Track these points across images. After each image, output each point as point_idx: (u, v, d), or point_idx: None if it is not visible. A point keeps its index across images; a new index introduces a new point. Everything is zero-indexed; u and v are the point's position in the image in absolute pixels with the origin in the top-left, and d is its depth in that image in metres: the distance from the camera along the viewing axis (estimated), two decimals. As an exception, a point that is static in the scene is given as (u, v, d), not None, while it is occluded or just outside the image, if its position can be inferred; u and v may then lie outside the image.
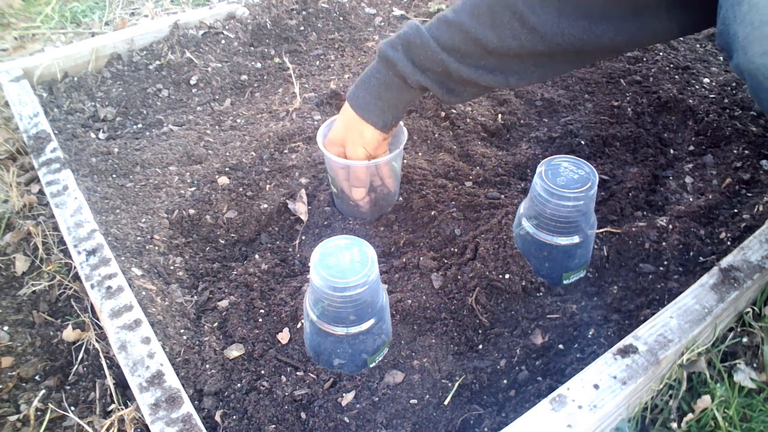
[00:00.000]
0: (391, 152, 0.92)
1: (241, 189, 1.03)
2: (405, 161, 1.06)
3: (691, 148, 1.10)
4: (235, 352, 0.77)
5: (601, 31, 0.75)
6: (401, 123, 0.94)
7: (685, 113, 1.16)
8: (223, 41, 1.44)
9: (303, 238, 0.96)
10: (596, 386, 0.66)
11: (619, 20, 0.74)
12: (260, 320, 0.82)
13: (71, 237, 0.88)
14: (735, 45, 0.63)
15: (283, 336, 0.79)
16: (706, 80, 1.26)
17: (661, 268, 0.86)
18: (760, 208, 0.91)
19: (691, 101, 1.17)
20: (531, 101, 1.26)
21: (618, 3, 0.74)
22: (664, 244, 0.88)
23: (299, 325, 0.80)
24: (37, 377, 0.82)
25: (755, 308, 0.81)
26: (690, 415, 0.72)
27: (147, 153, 1.12)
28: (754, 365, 0.78)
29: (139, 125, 1.23)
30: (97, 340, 0.83)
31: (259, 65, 1.40)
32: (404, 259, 0.88)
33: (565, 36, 0.75)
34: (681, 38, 1.43)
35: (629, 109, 1.18)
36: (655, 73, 1.28)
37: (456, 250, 0.89)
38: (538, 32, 0.75)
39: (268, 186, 1.04)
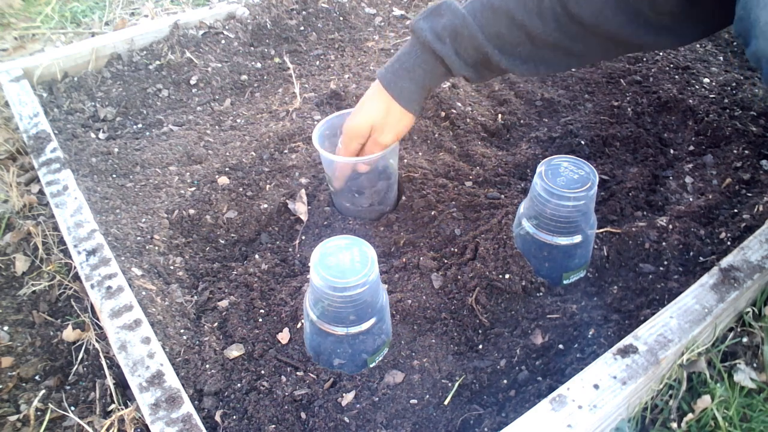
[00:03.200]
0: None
1: (241, 189, 1.03)
2: (405, 161, 1.06)
3: (691, 148, 1.10)
4: (235, 352, 0.77)
5: (634, 30, 0.75)
6: None
7: (685, 113, 1.16)
8: (223, 41, 1.44)
9: (303, 238, 0.96)
10: (596, 386, 0.66)
11: (655, 26, 0.76)
12: (260, 320, 0.82)
13: (71, 237, 0.88)
14: (755, 30, 0.62)
15: (283, 336, 0.79)
16: (706, 80, 1.26)
17: (661, 268, 0.86)
18: (760, 208, 0.91)
19: (691, 101, 1.17)
20: (531, 101, 1.26)
21: (659, 14, 0.74)
22: (664, 244, 0.88)
23: (299, 325, 0.80)
24: (37, 377, 0.82)
25: (755, 308, 0.81)
26: (690, 415, 0.72)
27: (147, 153, 1.12)
28: (754, 365, 0.78)
29: (139, 125, 1.23)
30: (97, 340, 0.83)
31: (259, 65, 1.40)
32: (404, 259, 0.88)
33: (601, 28, 0.76)
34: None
35: (629, 109, 1.18)
36: (655, 73, 1.28)
37: (456, 250, 0.89)
38: (579, 21, 0.75)
39: (268, 186, 1.04)
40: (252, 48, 1.45)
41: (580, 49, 0.81)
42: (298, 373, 0.75)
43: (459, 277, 0.84)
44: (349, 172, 0.91)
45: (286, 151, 1.12)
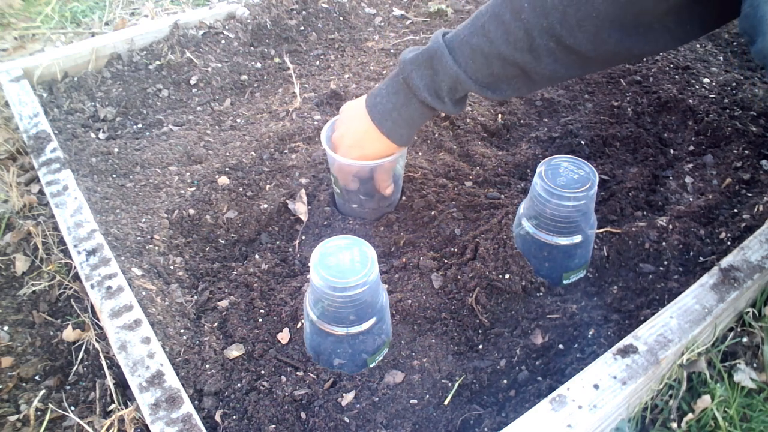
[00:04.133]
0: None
1: (241, 189, 1.03)
2: (405, 161, 1.06)
3: (691, 148, 1.10)
4: (235, 352, 0.77)
5: (632, 42, 0.75)
6: None
7: (685, 113, 1.16)
8: (223, 41, 1.44)
9: (303, 238, 0.96)
10: (596, 386, 0.66)
11: (652, 32, 0.75)
12: (260, 320, 0.82)
13: (71, 237, 0.88)
14: (762, 27, 0.61)
15: (283, 336, 0.79)
16: (706, 80, 1.26)
17: (661, 268, 0.86)
18: (760, 208, 0.91)
19: (691, 101, 1.17)
20: (531, 101, 1.26)
21: (652, 19, 0.74)
22: (664, 244, 0.88)
23: (299, 325, 0.80)
24: (37, 377, 0.82)
25: (755, 308, 0.81)
26: (690, 415, 0.72)
27: (147, 153, 1.12)
28: (754, 365, 0.78)
29: (139, 125, 1.23)
30: (97, 340, 0.83)
31: (259, 65, 1.40)
32: (404, 259, 0.88)
33: (599, 50, 0.75)
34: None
35: (629, 109, 1.18)
36: (655, 73, 1.28)
37: (456, 250, 0.89)
38: (576, 51, 0.75)
39: (268, 186, 1.04)
40: (252, 48, 1.45)
41: (578, 72, 0.81)
42: (298, 373, 0.75)
43: (459, 277, 0.84)
44: (365, 174, 0.92)
45: (286, 151, 1.12)
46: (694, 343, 0.72)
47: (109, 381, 0.77)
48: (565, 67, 0.78)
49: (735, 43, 1.44)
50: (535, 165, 0.83)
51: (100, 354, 0.80)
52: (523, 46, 0.75)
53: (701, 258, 0.87)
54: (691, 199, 0.99)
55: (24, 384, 0.81)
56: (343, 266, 0.67)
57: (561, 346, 0.76)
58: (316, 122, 1.19)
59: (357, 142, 0.88)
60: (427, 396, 0.72)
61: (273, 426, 0.68)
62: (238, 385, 0.73)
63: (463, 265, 0.86)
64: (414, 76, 0.81)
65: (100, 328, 0.84)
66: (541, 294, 0.84)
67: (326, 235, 0.94)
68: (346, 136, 0.89)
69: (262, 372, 0.75)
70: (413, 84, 0.81)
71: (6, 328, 0.87)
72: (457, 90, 0.81)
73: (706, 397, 0.73)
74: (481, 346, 0.79)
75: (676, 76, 1.27)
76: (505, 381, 0.74)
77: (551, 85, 0.85)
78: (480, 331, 0.80)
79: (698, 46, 1.42)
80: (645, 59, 1.34)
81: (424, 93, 0.81)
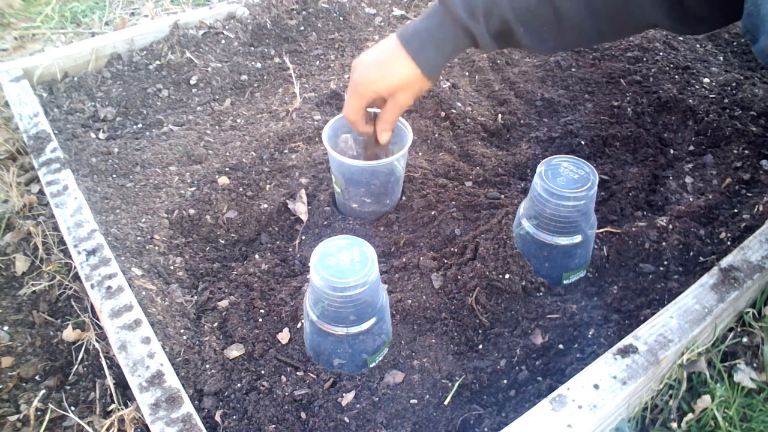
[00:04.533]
0: (396, 153, 0.92)
1: (241, 189, 1.03)
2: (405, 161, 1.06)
3: (691, 148, 1.10)
4: (235, 352, 0.77)
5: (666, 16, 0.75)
6: (408, 124, 0.94)
7: (685, 113, 1.16)
8: (223, 41, 1.44)
9: (303, 238, 0.96)
10: (596, 386, 0.66)
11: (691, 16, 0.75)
12: (260, 320, 0.82)
13: (71, 237, 0.88)
14: (765, 26, 0.61)
15: (283, 336, 0.79)
16: (706, 80, 1.26)
17: (661, 268, 0.86)
18: (760, 208, 0.91)
19: (691, 101, 1.17)
20: (531, 101, 1.26)
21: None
22: (664, 244, 0.88)
23: (299, 325, 0.80)
24: (37, 377, 0.82)
25: (755, 308, 0.81)
26: (690, 415, 0.72)
27: (147, 153, 1.12)
28: (754, 365, 0.78)
29: (139, 125, 1.23)
30: (97, 340, 0.83)
31: (259, 65, 1.40)
32: (404, 259, 0.88)
33: (633, 14, 0.75)
34: (681, 38, 1.43)
35: (629, 109, 1.18)
36: (655, 73, 1.28)
37: (456, 250, 0.89)
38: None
39: (268, 186, 1.04)
40: (252, 48, 1.45)
41: (603, 30, 0.79)
42: (298, 373, 0.75)
43: (459, 277, 0.84)
44: (366, 174, 0.90)
45: (286, 151, 1.12)
46: (694, 343, 0.72)
47: (109, 381, 0.77)
48: (595, 18, 0.76)
49: (735, 43, 1.44)
50: (535, 165, 0.83)
51: (100, 354, 0.80)
52: None
53: (701, 258, 0.87)
54: (691, 199, 0.99)
55: (24, 384, 0.81)
56: (343, 266, 0.67)
57: (561, 346, 0.76)
58: (316, 122, 1.19)
59: (378, 60, 0.82)
60: (427, 396, 0.72)
61: (273, 426, 0.68)
62: (238, 385, 0.73)
63: (463, 265, 0.86)
64: (460, 7, 0.77)
65: (100, 328, 0.84)
66: (541, 294, 0.84)
67: (326, 235, 0.94)
68: (367, 55, 0.83)
69: (262, 372, 0.75)
70: (449, 2, 0.77)
71: (6, 328, 0.87)
72: (493, 14, 0.77)
73: (706, 397, 0.73)
74: (481, 346, 0.79)
75: (676, 76, 1.27)
76: (505, 381, 0.74)
77: (578, 44, 0.83)
78: (480, 331, 0.80)
79: (698, 46, 1.42)
80: (644, 60, 1.34)
81: (460, 9, 0.77)
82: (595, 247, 0.87)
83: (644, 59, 1.35)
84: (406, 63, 0.81)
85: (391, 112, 0.86)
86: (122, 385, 0.78)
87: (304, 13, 1.55)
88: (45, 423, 0.75)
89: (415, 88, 0.84)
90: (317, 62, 1.43)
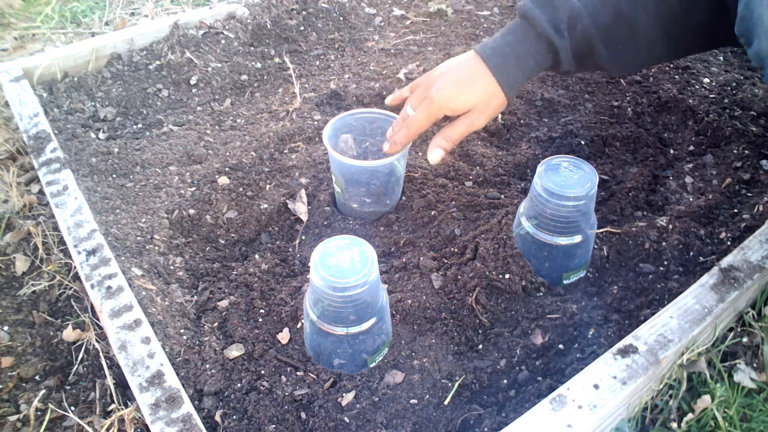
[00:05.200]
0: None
1: (241, 189, 1.03)
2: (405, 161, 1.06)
3: (691, 148, 1.10)
4: (235, 352, 0.77)
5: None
6: None
7: (685, 113, 1.16)
8: (223, 41, 1.44)
9: (303, 238, 0.96)
10: (596, 386, 0.66)
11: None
12: (260, 320, 0.82)
13: (71, 237, 0.88)
14: (758, 30, 0.61)
15: (283, 336, 0.79)
16: (706, 80, 1.26)
17: (661, 268, 0.86)
18: (760, 208, 0.91)
19: (691, 101, 1.17)
20: (531, 101, 1.26)
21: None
22: (664, 244, 0.88)
23: (299, 325, 0.80)
24: (37, 377, 0.82)
25: (755, 309, 0.81)
26: (690, 415, 0.72)
27: (147, 153, 1.12)
28: (754, 365, 0.78)
29: (139, 125, 1.23)
30: (97, 340, 0.83)
31: (259, 65, 1.40)
32: (404, 259, 0.88)
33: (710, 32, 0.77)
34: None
35: (629, 109, 1.18)
36: (655, 73, 1.28)
37: (456, 250, 0.89)
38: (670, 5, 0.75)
39: (268, 186, 1.04)
40: (252, 48, 1.45)
41: (673, 46, 0.80)
42: (298, 373, 0.75)
43: (459, 277, 0.84)
44: (366, 174, 0.89)
45: (286, 151, 1.12)
46: (694, 343, 0.72)
47: (109, 381, 0.77)
48: (662, 30, 0.75)
49: (735, 43, 1.44)
50: (535, 165, 0.83)
51: (100, 354, 0.80)
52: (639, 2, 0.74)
53: (701, 258, 0.87)
54: (691, 199, 0.99)
55: (24, 384, 0.81)
56: (343, 266, 0.67)
57: (561, 346, 0.76)
58: (316, 122, 1.19)
59: (457, 76, 0.78)
60: (427, 396, 0.72)
61: (273, 426, 0.68)
62: (238, 385, 0.73)
63: (463, 265, 0.86)
64: (534, 8, 0.75)
65: (100, 328, 0.84)
66: (541, 294, 0.84)
67: (326, 235, 0.94)
68: (444, 69, 0.80)
69: (262, 372, 0.75)
70: (532, 15, 0.75)
71: (6, 328, 0.87)
72: (576, 30, 0.76)
73: (706, 397, 0.73)
74: (481, 346, 0.79)
75: (676, 76, 1.27)
76: (505, 381, 0.74)
77: (649, 62, 0.83)
78: (480, 331, 0.80)
79: (698, 46, 1.42)
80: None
81: (544, 23, 0.75)
82: (595, 247, 0.87)
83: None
84: (486, 79, 0.77)
85: (458, 131, 0.81)
86: (122, 385, 0.78)
87: (304, 13, 1.55)
88: (45, 423, 0.75)
89: (493, 107, 0.80)
90: (317, 62, 1.43)
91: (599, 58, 0.78)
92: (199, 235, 0.96)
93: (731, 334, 0.80)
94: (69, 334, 0.85)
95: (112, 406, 0.75)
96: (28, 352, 0.85)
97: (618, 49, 0.79)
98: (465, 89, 0.78)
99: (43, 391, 0.79)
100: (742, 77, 1.28)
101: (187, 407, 0.66)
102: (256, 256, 0.93)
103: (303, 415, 0.70)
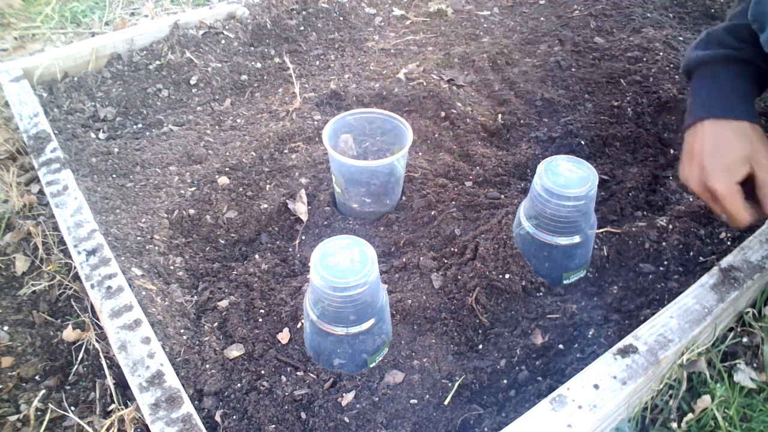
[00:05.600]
0: (396, 153, 0.91)
1: (241, 189, 1.03)
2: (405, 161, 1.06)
3: (691, 148, 1.10)
4: (235, 352, 0.77)
5: None
6: (408, 124, 0.94)
7: (685, 113, 1.16)
8: (223, 41, 1.44)
9: (303, 238, 0.96)
10: (596, 386, 0.66)
11: None
12: (260, 320, 0.82)
13: (71, 237, 0.88)
14: None
15: (283, 336, 0.79)
16: (706, 80, 1.26)
17: (661, 268, 0.86)
18: (760, 208, 0.91)
19: (691, 101, 1.17)
20: (531, 101, 1.26)
21: None
22: (664, 244, 0.88)
23: (299, 325, 0.80)
24: (37, 377, 0.82)
25: (755, 308, 0.81)
26: (690, 415, 0.72)
27: (147, 153, 1.12)
28: (754, 365, 0.78)
29: (139, 125, 1.23)
30: (97, 340, 0.83)
31: (259, 65, 1.40)
32: (404, 259, 0.88)
33: None
34: (681, 38, 1.43)
35: (629, 109, 1.18)
36: (655, 73, 1.28)
37: (456, 250, 0.89)
38: None
39: (268, 186, 1.04)
40: (252, 48, 1.45)
41: None
42: (298, 373, 0.75)
43: (459, 277, 0.84)
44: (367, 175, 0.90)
45: (286, 151, 1.12)
46: (694, 343, 0.72)
47: (109, 381, 0.77)
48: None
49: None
50: (535, 165, 0.83)
51: (100, 354, 0.80)
52: None
53: (701, 258, 0.87)
54: (691, 199, 0.99)
55: (24, 384, 0.81)
56: (343, 266, 0.67)
57: (561, 346, 0.76)
58: (316, 122, 1.19)
59: (715, 147, 0.77)
60: (427, 396, 0.72)
61: (273, 426, 0.68)
62: (238, 385, 0.73)
63: (463, 265, 0.86)
64: (712, 52, 0.77)
65: (100, 328, 0.84)
66: (541, 294, 0.84)
67: (326, 235, 0.94)
68: (704, 151, 0.78)
69: (262, 372, 0.75)
70: (736, 56, 0.76)
71: (6, 328, 0.87)
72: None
73: (706, 397, 0.73)
74: (481, 346, 0.78)
75: (676, 76, 1.27)
76: (505, 381, 0.74)
77: None
78: (480, 331, 0.80)
79: (698, 46, 1.42)
80: (644, 60, 1.34)
81: (725, 51, 0.76)
82: (595, 247, 0.87)
83: (644, 59, 1.34)
84: (738, 132, 0.77)
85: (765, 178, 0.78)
86: (122, 385, 0.78)
87: (304, 13, 1.55)
88: (45, 423, 0.75)
89: (757, 138, 0.79)
90: (317, 62, 1.43)
91: None
92: (199, 235, 0.96)
93: (731, 334, 0.80)
94: (69, 334, 0.85)
95: (112, 406, 0.75)
96: (28, 352, 0.85)
97: None
98: (726, 160, 0.77)
99: (43, 391, 0.79)
100: (742, 77, 1.28)
101: (187, 407, 0.66)
102: (256, 256, 0.93)
103: (303, 415, 0.70)
